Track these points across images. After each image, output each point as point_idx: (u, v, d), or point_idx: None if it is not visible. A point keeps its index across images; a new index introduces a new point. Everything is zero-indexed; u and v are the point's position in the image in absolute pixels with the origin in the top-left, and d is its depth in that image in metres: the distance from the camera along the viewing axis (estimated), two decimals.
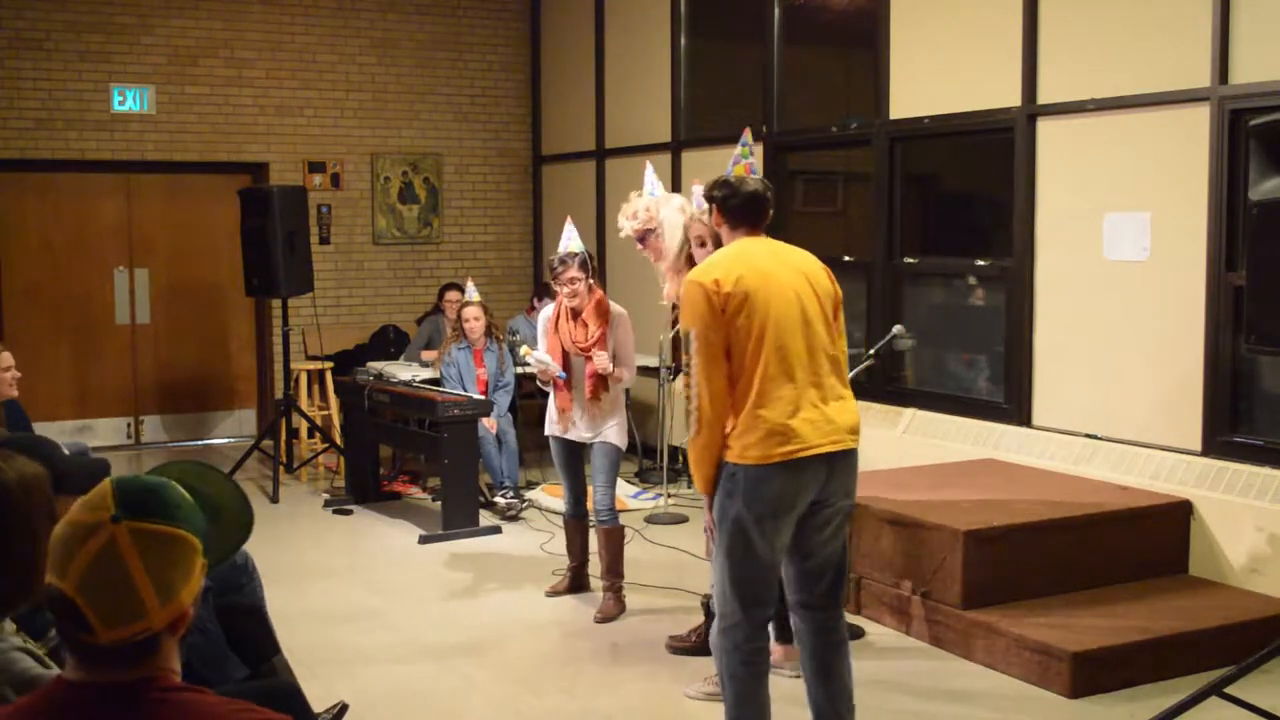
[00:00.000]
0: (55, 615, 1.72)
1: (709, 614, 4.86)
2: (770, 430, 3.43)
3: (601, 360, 5.43)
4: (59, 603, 1.71)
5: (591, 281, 5.53)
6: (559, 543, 5.97)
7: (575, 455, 5.67)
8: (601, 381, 5.48)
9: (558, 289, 5.57)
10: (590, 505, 5.65)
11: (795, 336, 3.50)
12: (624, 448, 5.62)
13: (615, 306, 5.59)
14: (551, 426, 5.67)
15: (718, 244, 3.93)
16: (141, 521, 1.71)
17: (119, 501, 1.72)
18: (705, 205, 4.88)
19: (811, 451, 3.45)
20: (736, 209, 3.71)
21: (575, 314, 5.55)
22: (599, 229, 9.58)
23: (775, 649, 4.20)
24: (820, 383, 3.53)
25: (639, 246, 4.96)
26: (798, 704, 3.97)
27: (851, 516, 3.77)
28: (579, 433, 5.58)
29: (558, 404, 5.62)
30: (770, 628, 3.85)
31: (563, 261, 5.48)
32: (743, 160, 3.82)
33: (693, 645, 4.95)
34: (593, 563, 5.78)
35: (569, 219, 5.77)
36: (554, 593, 5.80)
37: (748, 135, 3.99)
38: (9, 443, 2.77)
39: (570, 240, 5.53)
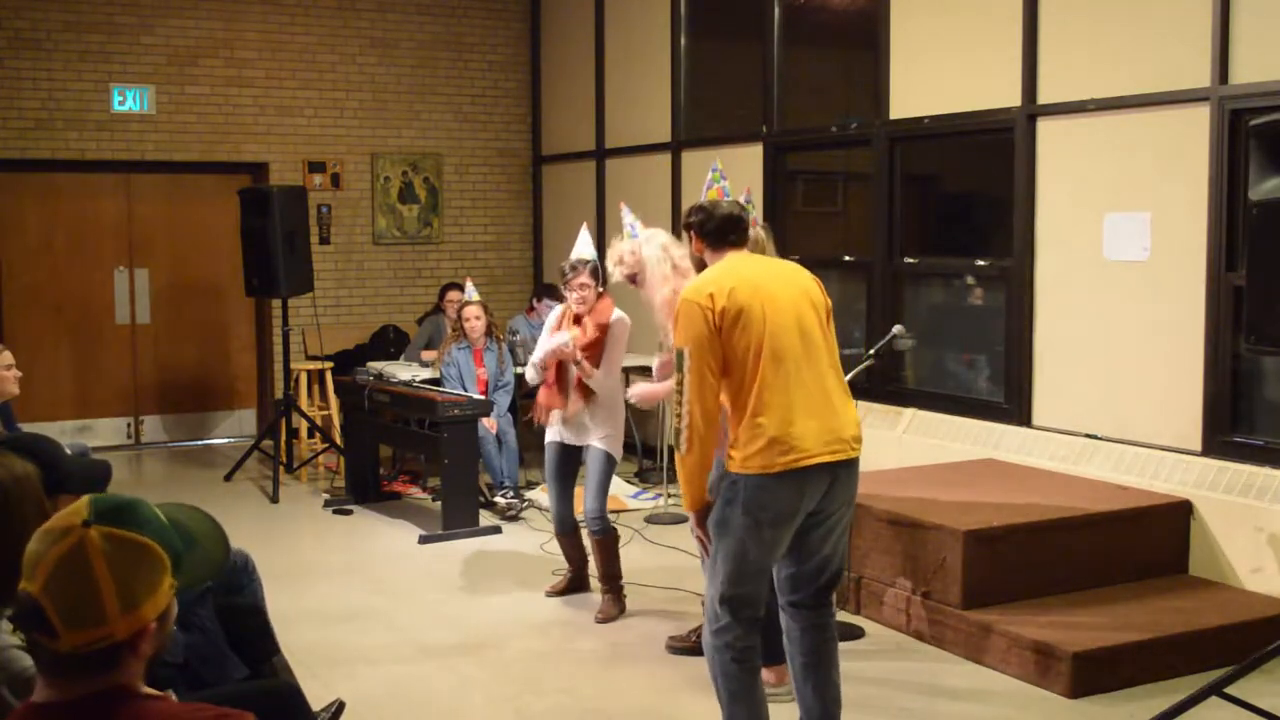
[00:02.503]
0: (22, 619, 1.77)
1: None
2: (771, 440, 3.44)
3: (584, 366, 5.41)
4: (25, 604, 1.76)
5: (600, 289, 5.54)
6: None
7: (569, 464, 5.62)
8: (584, 386, 5.47)
9: (567, 294, 5.58)
10: (580, 513, 5.63)
11: (792, 346, 3.51)
12: (618, 458, 5.57)
13: (617, 312, 5.59)
14: (549, 431, 5.63)
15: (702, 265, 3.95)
16: (112, 527, 1.77)
17: (93, 510, 1.79)
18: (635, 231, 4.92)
19: (813, 460, 3.46)
20: (713, 232, 3.75)
21: (578, 319, 5.57)
22: (599, 230, 9.57)
23: (766, 673, 4.18)
24: (820, 392, 3.53)
25: (633, 286, 4.98)
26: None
27: (850, 522, 3.77)
28: (568, 435, 5.54)
29: (541, 399, 5.60)
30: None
31: (574, 268, 5.49)
32: (715, 185, 3.90)
33: (693, 645, 4.94)
34: (592, 563, 5.77)
35: (584, 225, 5.81)
36: (554, 593, 5.80)
37: (718, 162, 4.09)
38: (11, 442, 2.77)
39: (584, 247, 5.55)
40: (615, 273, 4.96)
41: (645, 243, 4.86)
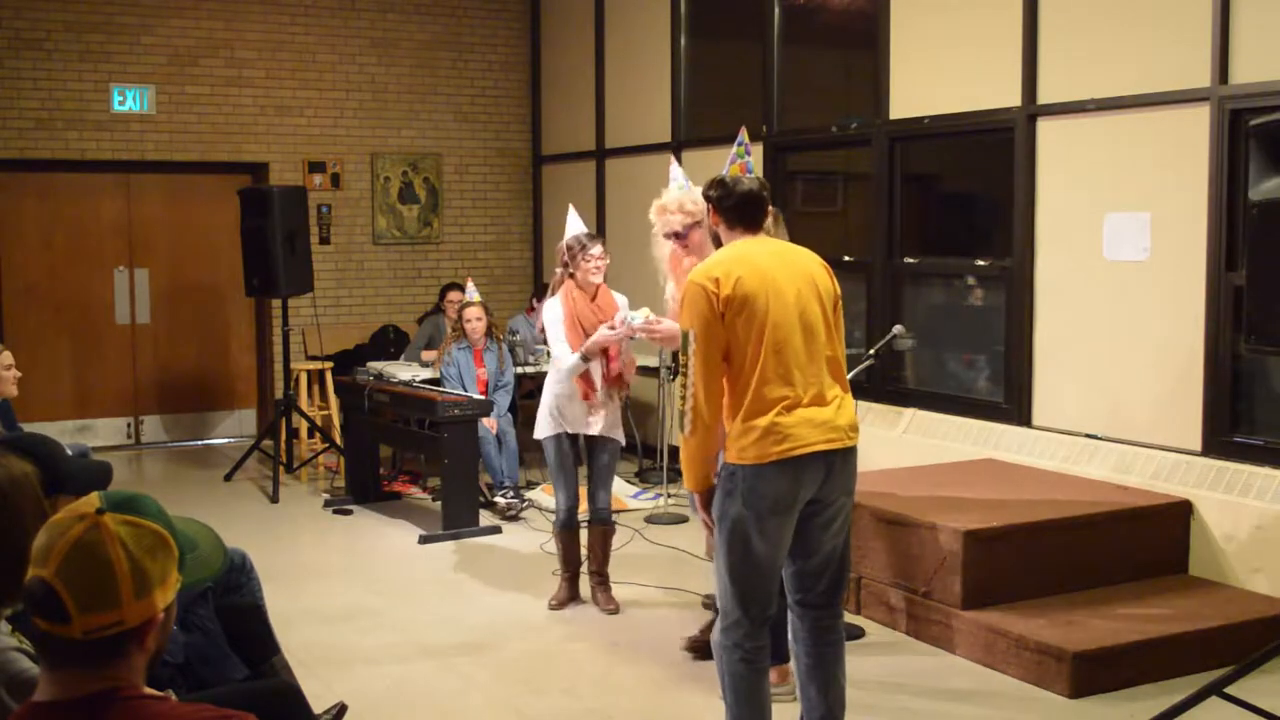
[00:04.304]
0: (35, 604, 1.77)
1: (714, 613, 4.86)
2: (767, 430, 3.44)
3: (638, 320, 5.11)
4: (37, 590, 1.77)
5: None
6: None
7: (576, 458, 5.62)
8: (631, 364, 5.52)
9: (584, 268, 5.35)
10: (589, 506, 5.63)
11: (794, 338, 3.51)
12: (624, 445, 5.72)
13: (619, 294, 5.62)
14: (548, 427, 5.46)
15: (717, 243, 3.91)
16: (126, 514, 1.81)
17: (105, 500, 1.83)
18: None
19: (809, 449, 3.46)
20: (732, 209, 3.70)
21: (590, 299, 5.41)
22: (599, 229, 9.57)
23: (770, 671, 4.16)
24: (818, 384, 3.53)
25: (675, 243, 4.66)
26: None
27: (851, 515, 3.77)
28: (596, 425, 5.43)
29: (584, 394, 5.37)
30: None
31: (591, 238, 5.41)
32: (738, 160, 3.81)
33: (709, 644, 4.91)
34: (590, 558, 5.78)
35: (571, 206, 5.79)
36: (557, 605, 5.60)
37: (744, 134, 3.96)
38: (10, 442, 2.77)
39: (579, 225, 5.52)
40: (674, 222, 4.62)
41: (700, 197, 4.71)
